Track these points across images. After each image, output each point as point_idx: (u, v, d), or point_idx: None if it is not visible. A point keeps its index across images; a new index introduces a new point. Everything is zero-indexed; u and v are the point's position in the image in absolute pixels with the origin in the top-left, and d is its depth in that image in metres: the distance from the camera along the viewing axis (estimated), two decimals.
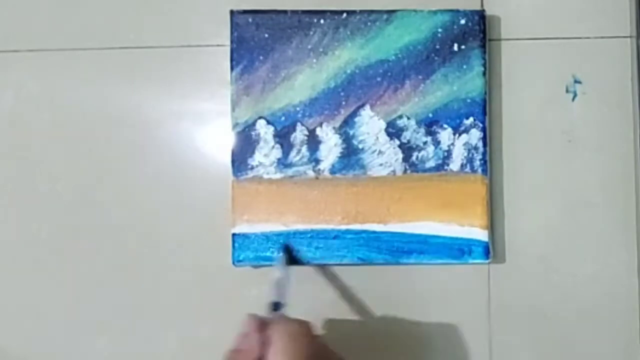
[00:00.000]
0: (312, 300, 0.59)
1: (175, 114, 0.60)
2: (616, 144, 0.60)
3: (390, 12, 0.58)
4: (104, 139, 0.60)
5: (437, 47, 0.58)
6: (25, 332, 0.60)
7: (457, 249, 0.57)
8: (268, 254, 0.57)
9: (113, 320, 0.59)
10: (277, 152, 0.58)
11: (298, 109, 0.58)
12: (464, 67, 0.58)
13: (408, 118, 0.58)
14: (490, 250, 0.57)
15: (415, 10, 0.58)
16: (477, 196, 0.58)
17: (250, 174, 0.58)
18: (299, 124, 0.58)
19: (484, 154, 0.58)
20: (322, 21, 0.58)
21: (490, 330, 0.59)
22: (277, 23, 0.58)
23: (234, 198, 0.58)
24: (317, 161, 0.58)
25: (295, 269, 0.57)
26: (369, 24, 0.58)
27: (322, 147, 0.58)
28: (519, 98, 0.60)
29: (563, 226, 0.60)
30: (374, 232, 0.57)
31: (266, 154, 0.58)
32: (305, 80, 0.58)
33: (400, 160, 0.58)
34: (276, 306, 0.51)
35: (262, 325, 0.48)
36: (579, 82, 0.60)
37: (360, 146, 0.58)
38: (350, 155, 0.58)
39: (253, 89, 0.58)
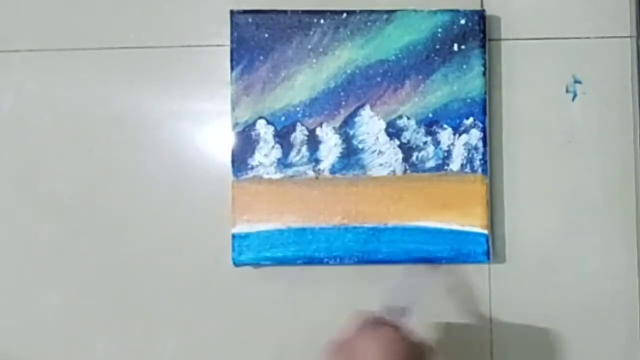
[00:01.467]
0: (312, 300, 0.59)
1: (175, 114, 0.60)
2: (616, 144, 0.60)
3: (390, 12, 0.58)
4: (104, 139, 0.60)
5: (437, 47, 0.58)
6: (25, 332, 0.60)
7: (457, 249, 0.57)
8: (268, 254, 0.57)
9: (113, 320, 0.59)
10: (277, 152, 0.58)
11: (298, 109, 0.58)
12: (464, 67, 0.58)
13: (408, 118, 0.58)
14: (490, 251, 0.57)
15: (415, 10, 0.58)
16: (477, 196, 0.58)
17: (250, 174, 0.58)
18: (299, 124, 0.58)
19: (484, 154, 0.58)
20: (322, 21, 0.58)
21: (491, 330, 0.59)
22: (277, 23, 0.58)
23: (234, 198, 0.57)
24: (317, 161, 0.58)
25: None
26: (369, 24, 0.58)
27: (322, 147, 0.58)
28: (519, 98, 0.60)
29: (563, 226, 0.60)
30: (374, 231, 0.57)
31: (266, 154, 0.58)
32: (305, 80, 0.58)
33: (400, 160, 0.58)
34: (403, 311, 0.51)
35: (375, 323, 0.48)
36: (579, 82, 0.60)
37: (360, 146, 0.58)
38: (350, 155, 0.58)
39: (253, 89, 0.58)
